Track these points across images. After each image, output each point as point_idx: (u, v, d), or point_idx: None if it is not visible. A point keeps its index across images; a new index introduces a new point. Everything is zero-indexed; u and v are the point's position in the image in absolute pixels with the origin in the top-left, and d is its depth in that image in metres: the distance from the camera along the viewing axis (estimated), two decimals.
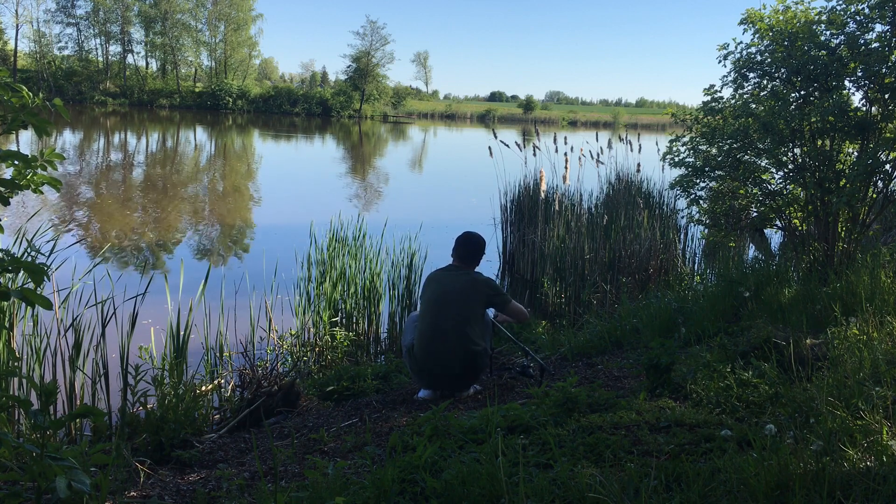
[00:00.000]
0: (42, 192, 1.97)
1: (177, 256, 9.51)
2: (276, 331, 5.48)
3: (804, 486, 1.98)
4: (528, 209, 10.02)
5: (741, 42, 5.49)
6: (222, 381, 4.67)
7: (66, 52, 60.13)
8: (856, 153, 5.21)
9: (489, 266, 9.86)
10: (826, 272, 4.87)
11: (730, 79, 5.56)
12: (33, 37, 58.54)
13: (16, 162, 1.83)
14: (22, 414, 3.74)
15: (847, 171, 4.95)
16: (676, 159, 5.83)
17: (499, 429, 2.86)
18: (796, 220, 5.60)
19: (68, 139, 28.03)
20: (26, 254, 4.09)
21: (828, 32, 5.14)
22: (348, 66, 67.05)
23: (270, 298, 5.76)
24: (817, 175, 5.09)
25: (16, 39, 58.44)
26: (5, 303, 3.86)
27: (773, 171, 5.60)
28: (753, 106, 5.40)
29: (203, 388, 4.33)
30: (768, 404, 2.92)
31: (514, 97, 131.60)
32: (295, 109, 60.79)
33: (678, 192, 6.07)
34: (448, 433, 2.94)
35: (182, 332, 4.47)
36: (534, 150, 10.92)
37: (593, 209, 10.11)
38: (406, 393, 4.43)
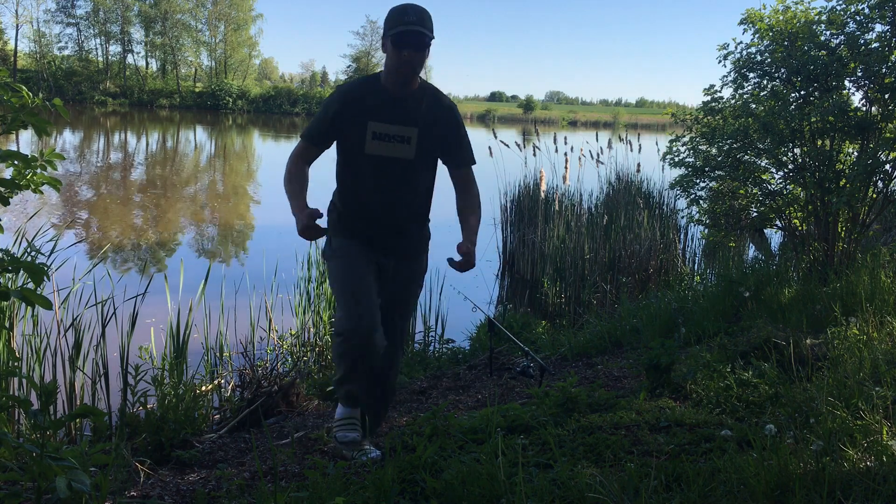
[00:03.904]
0: (42, 192, 1.97)
1: (177, 256, 9.50)
2: (276, 331, 5.47)
3: (804, 486, 1.98)
4: (528, 209, 10.02)
5: (741, 42, 5.50)
6: (222, 381, 4.67)
7: (66, 52, 60.24)
8: (856, 153, 5.21)
9: (490, 266, 9.86)
10: (826, 272, 4.87)
11: (730, 79, 5.56)
12: (33, 37, 58.64)
13: (16, 162, 1.83)
14: (22, 414, 3.74)
15: (847, 171, 4.95)
16: (676, 159, 5.84)
17: (499, 429, 2.86)
18: (796, 220, 5.60)
19: (68, 139, 28.02)
20: (26, 254, 4.09)
21: (828, 32, 5.14)
22: (348, 66, 67.21)
23: (270, 298, 5.76)
24: (817, 175, 5.09)
25: (16, 39, 58.53)
26: (5, 303, 3.86)
27: (773, 171, 5.60)
28: (753, 106, 5.40)
29: (203, 388, 4.33)
30: (768, 404, 2.92)
31: (514, 97, 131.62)
32: (295, 109, 60.77)
33: (678, 192, 6.07)
34: (448, 433, 2.94)
35: (182, 332, 4.47)
36: (534, 150, 10.93)
37: (593, 209, 10.11)
38: (406, 393, 4.43)
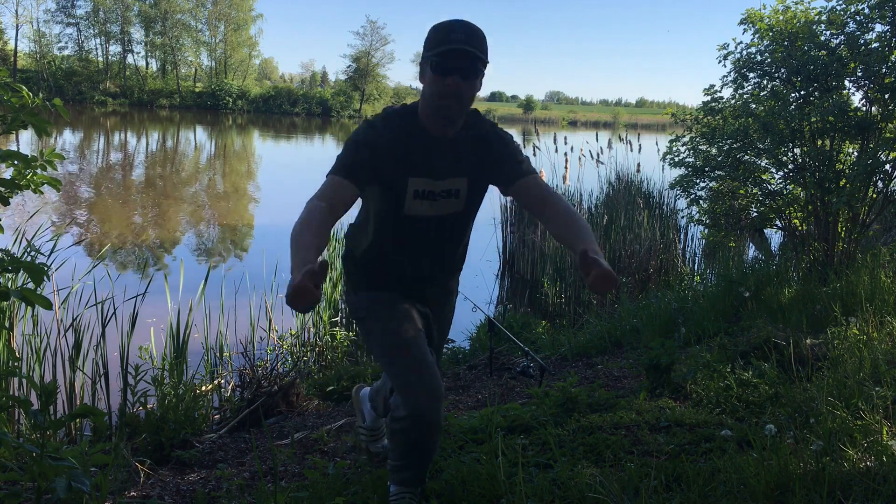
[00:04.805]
0: (42, 192, 1.97)
1: (177, 256, 9.51)
2: (276, 331, 5.48)
3: (804, 486, 1.98)
4: None
5: (741, 42, 5.50)
6: (222, 381, 4.67)
7: (66, 52, 60.17)
8: (856, 153, 5.22)
9: (490, 266, 9.87)
10: (826, 272, 4.88)
11: (730, 79, 5.57)
12: (33, 37, 58.56)
13: (16, 162, 1.83)
14: (22, 414, 3.74)
15: (847, 171, 4.95)
16: (676, 159, 5.84)
17: (499, 429, 2.87)
18: (796, 220, 5.61)
19: (68, 139, 28.02)
20: (26, 254, 4.09)
21: (828, 32, 5.15)
22: (348, 66, 67.05)
23: (270, 298, 5.76)
24: (817, 175, 5.09)
25: (16, 39, 58.45)
26: (5, 303, 3.86)
27: (773, 171, 5.61)
28: (753, 106, 5.40)
29: (203, 388, 4.33)
30: (768, 404, 2.92)
31: (514, 97, 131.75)
32: (295, 109, 60.77)
33: (678, 192, 6.08)
34: (448, 433, 2.94)
35: (182, 332, 4.47)
36: (534, 150, 10.94)
37: (593, 209, 10.11)
38: None
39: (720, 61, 5.58)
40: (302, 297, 1.75)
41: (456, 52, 2.02)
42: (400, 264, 2.30)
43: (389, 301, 2.28)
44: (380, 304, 2.29)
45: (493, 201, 10.60)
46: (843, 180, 4.93)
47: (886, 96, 4.91)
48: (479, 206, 2.35)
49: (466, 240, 2.41)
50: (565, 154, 10.56)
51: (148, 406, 3.67)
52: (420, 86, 2.15)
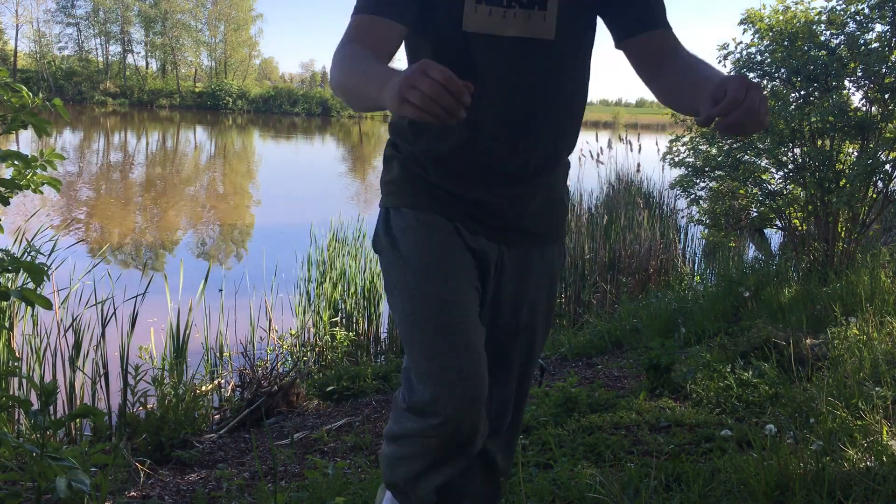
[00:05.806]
0: (42, 192, 1.97)
1: (177, 256, 9.50)
2: (276, 331, 5.48)
3: (804, 486, 1.98)
4: None
5: (741, 42, 5.51)
6: (222, 381, 4.67)
7: (66, 52, 60.27)
8: (856, 153, 5.22)
9: None
10: (826, 272, 4.88)
11: None
12: (33, 37, 58.67)
13: (16, 162, 1.83)
14: (22, 414, 3.74)
15: (847, 171, 4.96)
16: (676, 159, 5.85)
17: None
18: (796, 220, 5.61)
19: (68, 139, 28.01)
20: (26, 254, 4.09)
21: (828, 32, 5.15)
22: None
23: (270, 298, 5.76)
24: (817, 175, 5.09)
25: (16, 39, 58.54)
26: (5, 303, 3.86)
27: (773, 171, 5.61)
28: None
29: (203, 388, 4.33)
30: (768, 404, 2.92)
31: None
32: (295, 109, 60.73)
33: (678, 192, 6.09)
34: None
35: (182, 332, 4.47)
36: None
37: (593, 209, 10.11)
38: None
39: (720, 61, 5.59)
40: (431, 72, 1.04)
41: None
42: (467, 138, 1.43)
43: (439, 232, 1.44)
44: (421, 234, 1.44)
45: None
46: (843, 180, 4.93)
47: (886, 96, 4.91)
48: (586, 47, 1.51)
49: (573, 101, 1.51)
50: None
51: (148, 406, 3.67)
52: None
